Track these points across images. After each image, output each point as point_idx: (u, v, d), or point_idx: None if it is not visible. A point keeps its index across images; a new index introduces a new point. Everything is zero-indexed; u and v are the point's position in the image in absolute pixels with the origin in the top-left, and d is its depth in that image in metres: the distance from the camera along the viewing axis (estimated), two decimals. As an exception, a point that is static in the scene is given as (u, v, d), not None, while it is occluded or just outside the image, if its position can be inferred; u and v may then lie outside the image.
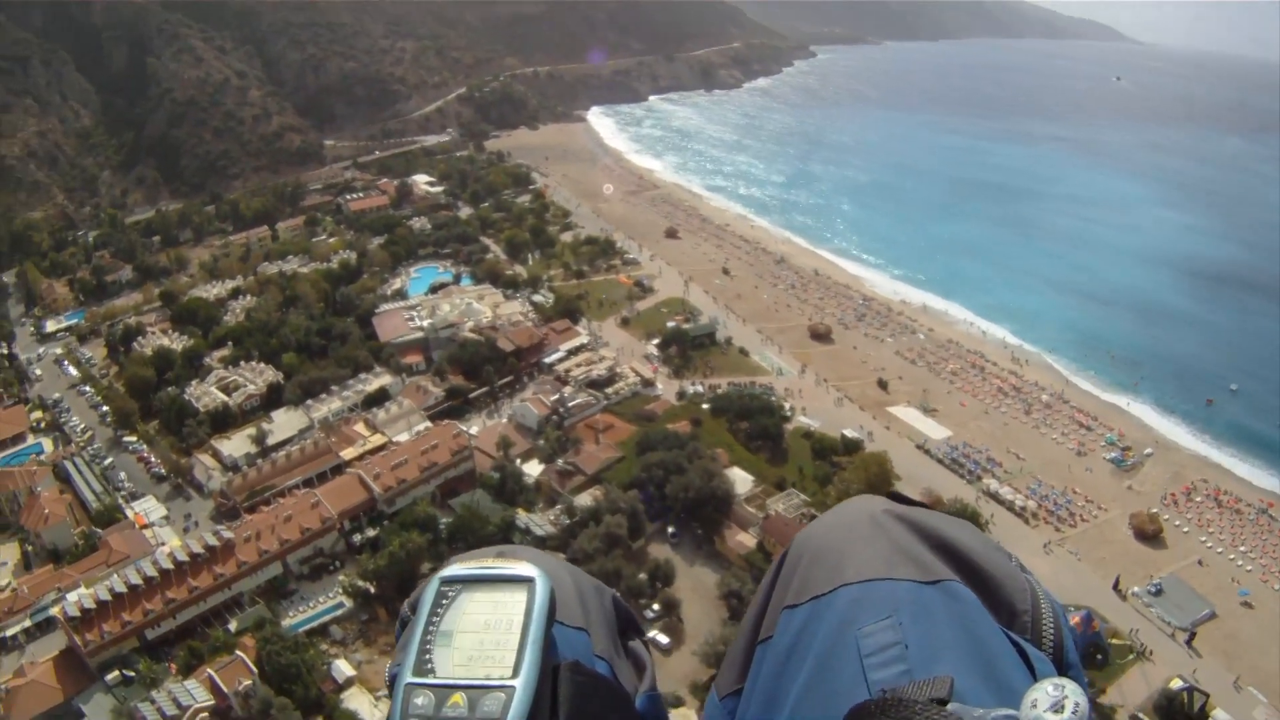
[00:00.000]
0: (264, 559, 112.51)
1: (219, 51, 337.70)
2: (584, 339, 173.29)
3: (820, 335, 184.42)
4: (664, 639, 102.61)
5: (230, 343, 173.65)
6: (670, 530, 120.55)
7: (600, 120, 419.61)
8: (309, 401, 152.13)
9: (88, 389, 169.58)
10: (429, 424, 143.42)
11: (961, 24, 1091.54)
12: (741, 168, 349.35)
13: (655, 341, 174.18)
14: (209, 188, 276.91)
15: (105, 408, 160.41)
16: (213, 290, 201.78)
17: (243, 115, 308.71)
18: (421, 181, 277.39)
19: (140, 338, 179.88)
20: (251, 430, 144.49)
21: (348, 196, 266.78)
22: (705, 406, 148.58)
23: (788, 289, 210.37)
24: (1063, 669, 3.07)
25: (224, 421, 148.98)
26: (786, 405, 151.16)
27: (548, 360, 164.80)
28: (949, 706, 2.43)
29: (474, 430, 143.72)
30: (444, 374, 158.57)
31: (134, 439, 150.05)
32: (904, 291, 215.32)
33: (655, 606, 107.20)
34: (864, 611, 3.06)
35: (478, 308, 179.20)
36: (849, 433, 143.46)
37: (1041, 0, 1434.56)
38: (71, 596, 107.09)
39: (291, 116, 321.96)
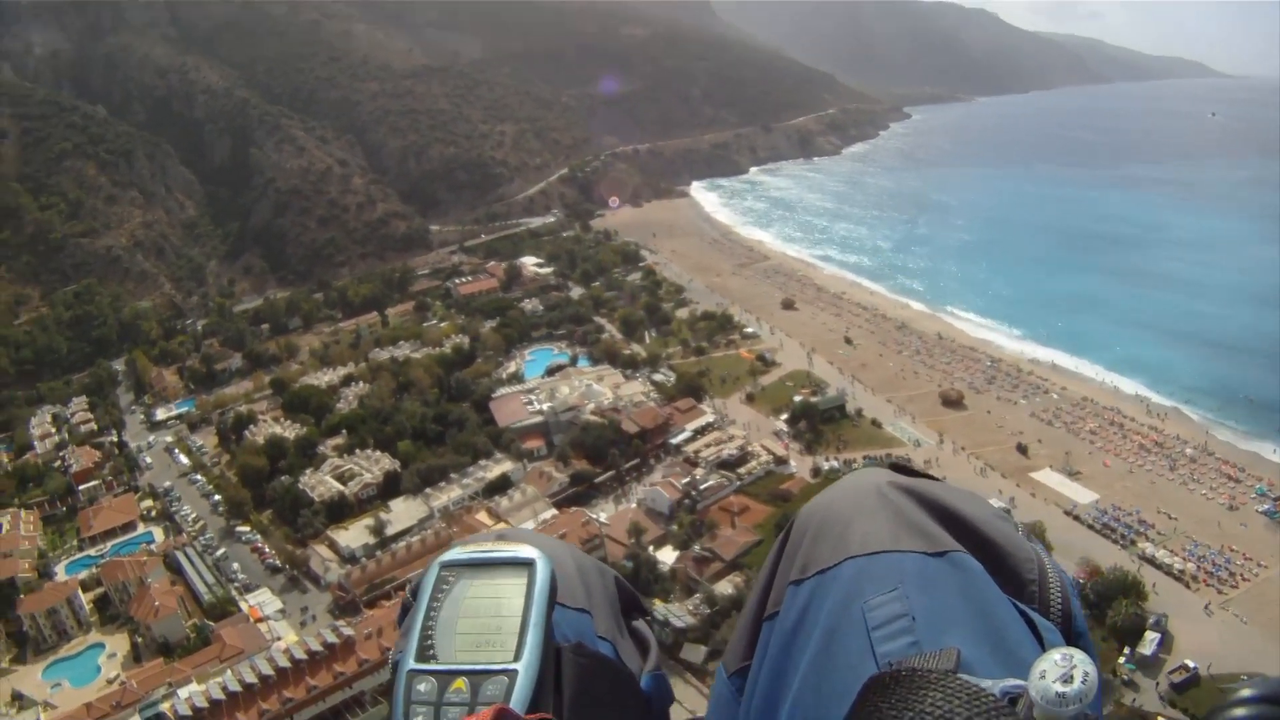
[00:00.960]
0: (387, 656, 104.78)
1: (320, 141, 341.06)
2: (709, 417, 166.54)
3: (952, 401, 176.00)
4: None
5: (344, 430, 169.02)
6: None
7: (703, 194, 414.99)
8: (428, 490, 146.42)
9: (199, 477, 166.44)
10: (555, 511, 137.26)
11: (1049, 74, 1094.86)
12: (849, 234, 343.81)
13: (784, 417, 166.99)
14: (316, 275, 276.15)
15: (217, 497, 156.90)
16: (324, 377, 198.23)
17: (347, 203, 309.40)
18: (530, 263, 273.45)
19: (252, 426, 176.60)
20: (369, 520, 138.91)
21: (456, 280, 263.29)
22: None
23: (913, 355, 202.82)
24: (1071, 639, 3.02)
25: (340, 511, 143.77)
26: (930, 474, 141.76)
27: (674, 441, 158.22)
28: (958, 677, 2.38)
29: (602, 517, 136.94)
30: (567, 459, 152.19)
31: (247, 529, 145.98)
32: (1030, 350, 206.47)
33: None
34: (870, 584, 3.04)
35: (598, 389, 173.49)
36: (994, 503, 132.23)
37: (1126, 43, 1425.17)
38: (183, 693, 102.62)
39: (395, 203, 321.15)
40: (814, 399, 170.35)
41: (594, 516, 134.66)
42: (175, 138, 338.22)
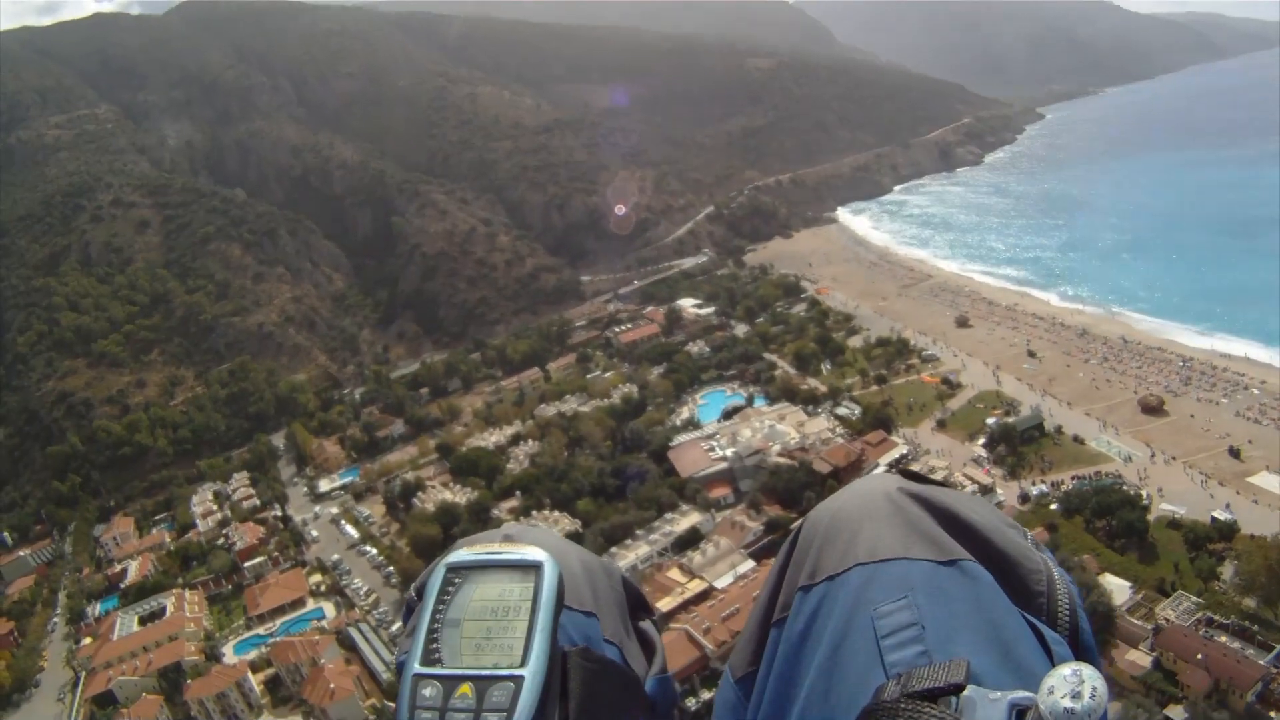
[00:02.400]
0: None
1: (461, 203, 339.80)
2: (902, 449, 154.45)
3: (1153, 408, 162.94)
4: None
5: (518, 492, 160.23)
6: None
7: (852, 219, 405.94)
8: (613, 550, 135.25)
9: (369, 549, 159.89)
10: (753, 564, 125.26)
11: (1174, 56, 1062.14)
12: (1007, 243, 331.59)
13: (980, 442, 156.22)
14: (470, 335, 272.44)
15: (390, 568, 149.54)
16: (491, 438, 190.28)
17: (494, 261, 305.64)
18: (689, 305, 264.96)
19: (420, 493, 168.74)
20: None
21: (616, 329, 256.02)
22: (1054, 507, 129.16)
23: (1100, 363, 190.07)
24: (1079, 652, 3.03)
25: None
26: (1143, 493, 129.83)
27: None
28: (967, 690, 2.43)
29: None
30: (759, 506, 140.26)
31: None
32: (1219, 344, 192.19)
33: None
34: (879, 591, 3.05)
35: (782, 429, 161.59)
36: (1219, 514, 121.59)
37: (1247, 13, 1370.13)
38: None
39: (543, 257, 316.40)
40: (1009, 419, 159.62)
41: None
42: (316, 213, 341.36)
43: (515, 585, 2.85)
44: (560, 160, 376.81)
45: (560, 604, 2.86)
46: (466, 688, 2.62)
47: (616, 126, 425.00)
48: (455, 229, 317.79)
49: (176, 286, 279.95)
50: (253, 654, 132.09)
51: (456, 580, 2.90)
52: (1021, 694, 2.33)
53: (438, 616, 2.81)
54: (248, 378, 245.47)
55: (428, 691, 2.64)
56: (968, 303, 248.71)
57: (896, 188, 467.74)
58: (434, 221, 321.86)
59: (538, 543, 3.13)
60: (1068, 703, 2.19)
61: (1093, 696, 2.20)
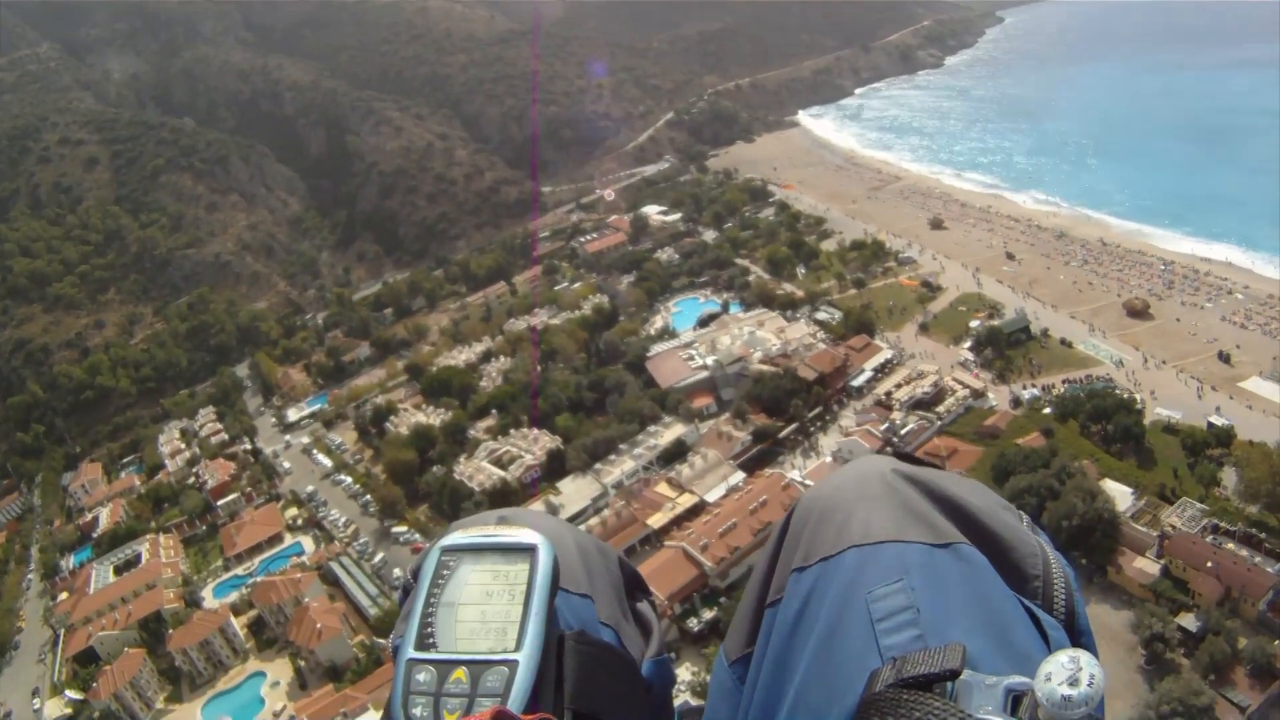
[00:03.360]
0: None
1: (416, 119, 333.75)
2: (887, 354, 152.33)
3: (1138, 312, 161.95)
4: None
5: (494, 411, 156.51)
6: None
7: (814, 122, 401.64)
8: (597, 466, 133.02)
9: (344, 478, 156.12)
10: (743, 475, 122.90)
11: None
12: (975, 146, 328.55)
13: (966, 345, 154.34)
14: (432, 252, 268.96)
15: (367, 496, 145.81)
16: (460, 356, 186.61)
17: (453, 176, 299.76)
18: (654, 212, 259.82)
19: (392, 417, 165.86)
20: (539, 506, 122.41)
21: (581, 239, 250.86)
22: (1047, 412, 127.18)
23: (1080, 265, 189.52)
24: (1074, 637, 3.06)
25: (504, 499, 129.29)
26: (1137, 398, 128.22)
27: (855, 384, 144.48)
28: (963, 675, 2.42)
29: (795, 475, 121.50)
30: (744, 415, 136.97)
31: (404, 528, 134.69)
32: (1200, 249, 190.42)
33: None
34: (874, 574, 3.04)
35: (762, 335, 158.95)
36: (1215, 420, 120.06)
37: None
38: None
39: (503, 170, 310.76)
40: (994, 323, 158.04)
41: (792, 477, 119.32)
42: (268, 138, 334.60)
43: (510, 568, 2.85)
44: (517, 72, 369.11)
45: (555, 587, 2.87)
46: (461, 672, 2.62)
47: (572, 36, 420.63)
48: (412, 145, 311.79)
49: (129, 222, 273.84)
50: (233, 596, 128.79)
51: (451, 564, 2.90)
52: (1018, 679, 2.34)
53: (432, 600, 2.81)
54: (207, 310, 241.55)
55: (422, 676, 2.63)
56: (939, 205, 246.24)
57: (857, 91, 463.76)
58: (390, 139, 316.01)
59: (532, 525, 3.13)
60: (1065, 689, 2.20)
61: (1090, 683, 2.21)
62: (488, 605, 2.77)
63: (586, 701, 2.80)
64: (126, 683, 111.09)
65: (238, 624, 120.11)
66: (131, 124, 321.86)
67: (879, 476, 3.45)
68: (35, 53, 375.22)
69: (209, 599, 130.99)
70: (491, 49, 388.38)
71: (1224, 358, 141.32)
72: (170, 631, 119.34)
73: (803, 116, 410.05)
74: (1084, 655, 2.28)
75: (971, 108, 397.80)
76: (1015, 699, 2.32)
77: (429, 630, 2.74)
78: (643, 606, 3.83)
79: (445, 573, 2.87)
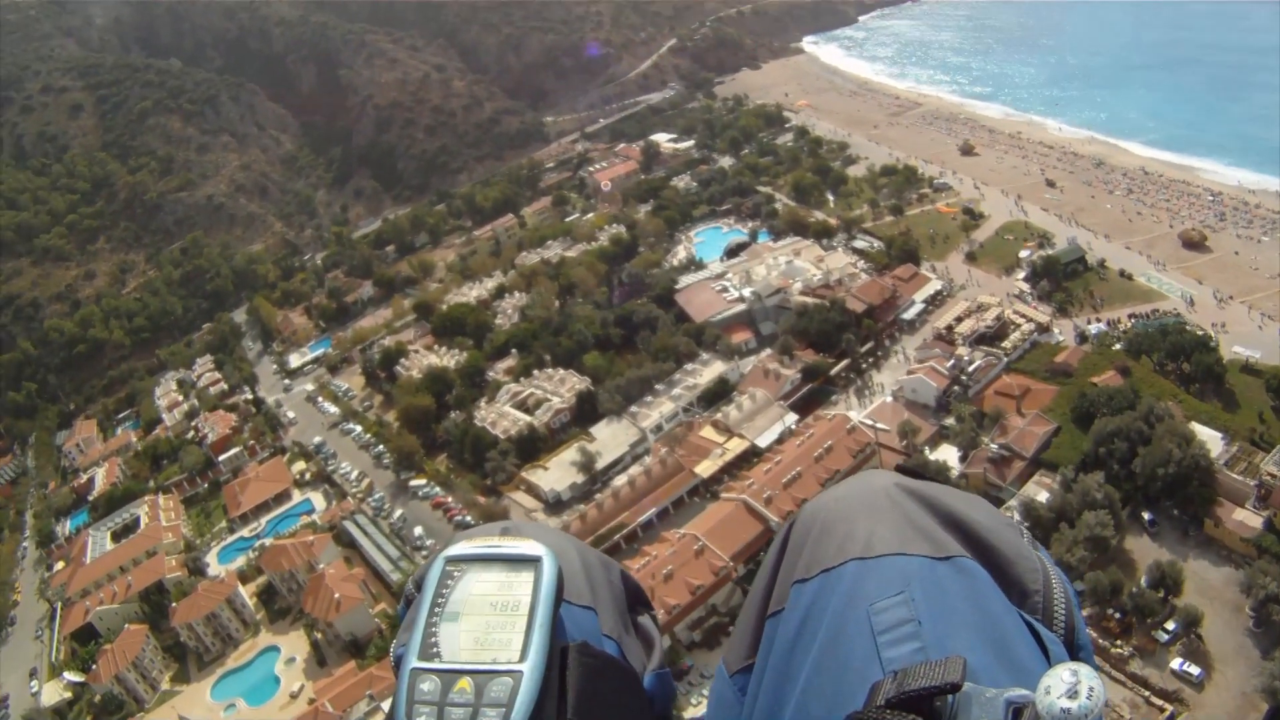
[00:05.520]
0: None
1: (411, 50, 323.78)
2: (937, 284, 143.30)
3: (1195, 244, 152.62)
4: (1194, 669, 78.38)
5: (514, 350, 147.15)
6: (1148, 517, 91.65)
7: (821, 49, 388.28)
8: (633, 409, 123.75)
9: (353, 426, 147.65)
10: (795, 417, 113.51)
11: None
12: (995, 70, 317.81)
13: (1020, 275, 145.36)
14: (433, 187, 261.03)
15: (379, 447, 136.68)
16: (471, 293, 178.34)
17: (452, 107, 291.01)
18: (664, 140, 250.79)
19: (403, 359, 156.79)
20: (572, 454, 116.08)
21: (590, 169, 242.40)
22: (1118, 348, 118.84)
23: (1125, 194, 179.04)
24: (1074, 651, 3.10)
25: (532, 448, 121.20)
26: (1211, 335, 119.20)
27: (905, 317, 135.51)
28: (965, 687, 2.45)
29: (854, 417, 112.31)
30: (790, 351, 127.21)
31: (423, 481, 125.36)
32: (1247, 179, 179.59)
33: (1170, 626, 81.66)
34: (875, 587, 3.08)
35: (801, 265, 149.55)
36: None
37: None
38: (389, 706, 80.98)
39: (503, 100, 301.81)
40: (1049, 252, 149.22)
41: (860, 420, 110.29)
42: (258, 75, 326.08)
43: (514, 580, 2.89)
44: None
45: (559, 599, 2.90)
46: (465, 682, 2.65)
47: None
48: (407, 77, 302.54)
49: (117, 168, 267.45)
50: (240, 561, 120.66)
51: (455, 574, 2.94)
52: (1018, 692, 2.37)
53: (436, 610, 2.85)
54: (201, 254, 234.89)
55: (426, 686, 2.65)
56: (966, 130, 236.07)
57: (863, 17, 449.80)
58: (384, 71, 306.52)
59: (537, 537, 3.18)
60: (1065, 702, 2.22)
61: (1089, 697, 2.23)
62: (492, 616, 2.81)
63: (589, 713, 2.81)
64: (129, 664, 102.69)
65: (246, 593, 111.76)
66: (116, 68, 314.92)
67: (882, 490, 3.49)
68: (15, 1, 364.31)
69: (214, 565, 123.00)
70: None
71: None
72: (173, 605, 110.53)
73: (807, 43, 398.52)
74: (1084, 669, 2.32)
75: (986, 34, 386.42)
76: (1015, 711, 2.35)
77: (433, 640, 2.77)
78: (644, 620, 3.85)
79: (450, 583, 2.91)
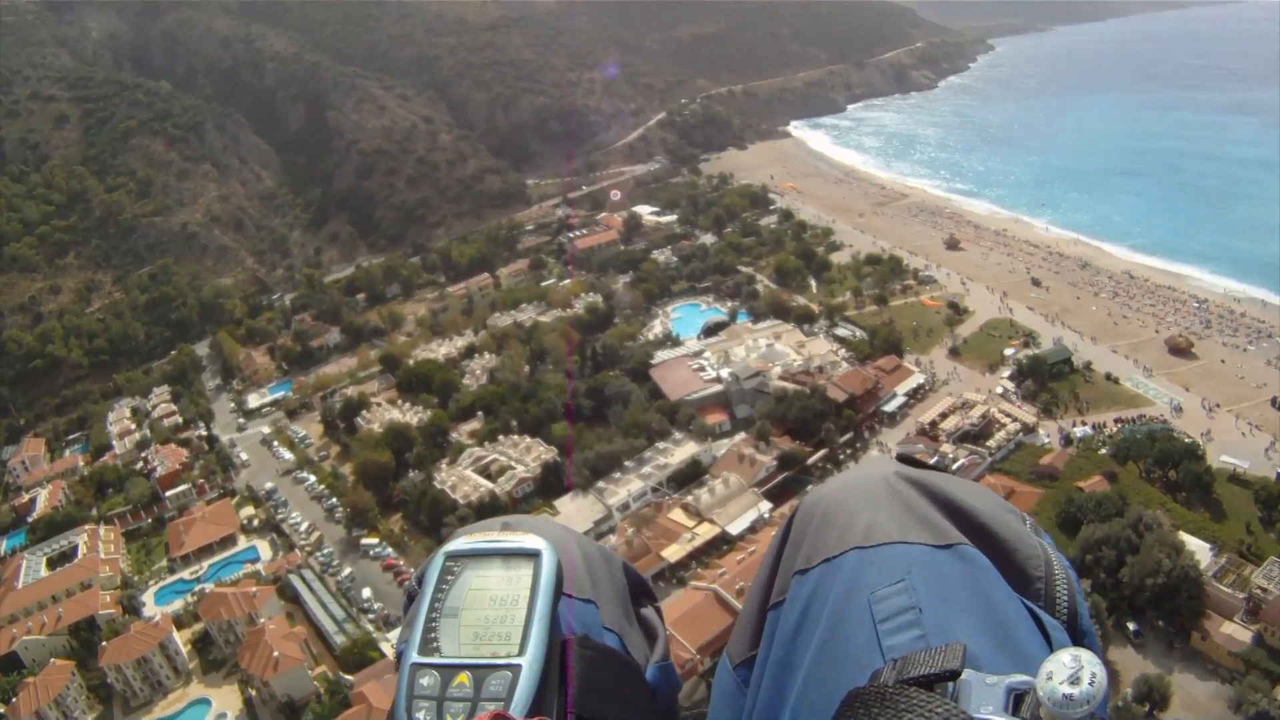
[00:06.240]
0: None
1: (401, 99, 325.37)
2: (920, 378, 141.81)
3: (1181, 350, 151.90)
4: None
5: (480, 413, 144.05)
6: (1133, 628, 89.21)
7: (807, 134, 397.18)
8: (600, 484, 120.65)
9: (307, 475, 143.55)
10: (769, 505, 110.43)
11: (1126, 0, 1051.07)
12: (982, 168, 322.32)
13: (1005, 374, 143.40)
14: (409, 238, 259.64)
15: (333, 501, 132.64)
16: (440, 349, 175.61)
17: (436, 160, 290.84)
18: (647, 212, 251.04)
19: (364, 411, 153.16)
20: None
21: (571, 235, 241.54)
22: (1104, 453, 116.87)
23: (1111, 297, 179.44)
24: (1077, 637, 3.09)
25: (493, 515, 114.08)
26: (1199, 443, 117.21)
27: (886, 409, 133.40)
28: (965, 674, 2.45)
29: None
30: (767, 437, 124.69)
31: (375, 541, 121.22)
32: (1234, 288, 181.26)
33: (1158, 743, 79.86)
34: (876, 575, 3.10)
35: (781, 349, 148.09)
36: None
37: None
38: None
39: (487, 158, 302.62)
40: (1035, 351, 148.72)
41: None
42: (246, 108, 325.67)
43: (513, 574, 2.91)
44: (507, 59, 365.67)
45: (559, 592, 2.92)
46: (464, 676, 2.66)
47: (564, 27, 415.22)
48: (394, 126, 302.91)
49: (95, 184, 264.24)
50: (177, 604, 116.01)
51: (455, 569, 2.95)
52: (1019, 678, 2.37)
53: (436, 605, 2.86)
54: (170, 282, 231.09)
55: (425, 681, 2.66)
56: (952, 224, 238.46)
57: (850, 106, 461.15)
58: (372, 117, 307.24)
59: (536, 531, 3.24)
60: (1066, 688, 2.21)
61: (1091, 682, 2.22)
62: (491, 610, 2.82)
63: (589, 706, 2.84)
64: (51, 700, 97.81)
65: (180, 639, 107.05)
66: (106, 83, 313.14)
67: (881, 479, 3.51)
68: (14, 3, 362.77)
69: (150, 605, 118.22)
70: (482, 34, 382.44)
71: (1278, 405, 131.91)
72: (104, 644, 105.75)
73: (794, 128, 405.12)
74: (1086, 654, 2.31)
75: (972, 130, 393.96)
76: (1017, 698, 2.36)
77: (433, 635, 2.78)
78: (648, 613, 3.87)
79: (449, 578, 2.93)
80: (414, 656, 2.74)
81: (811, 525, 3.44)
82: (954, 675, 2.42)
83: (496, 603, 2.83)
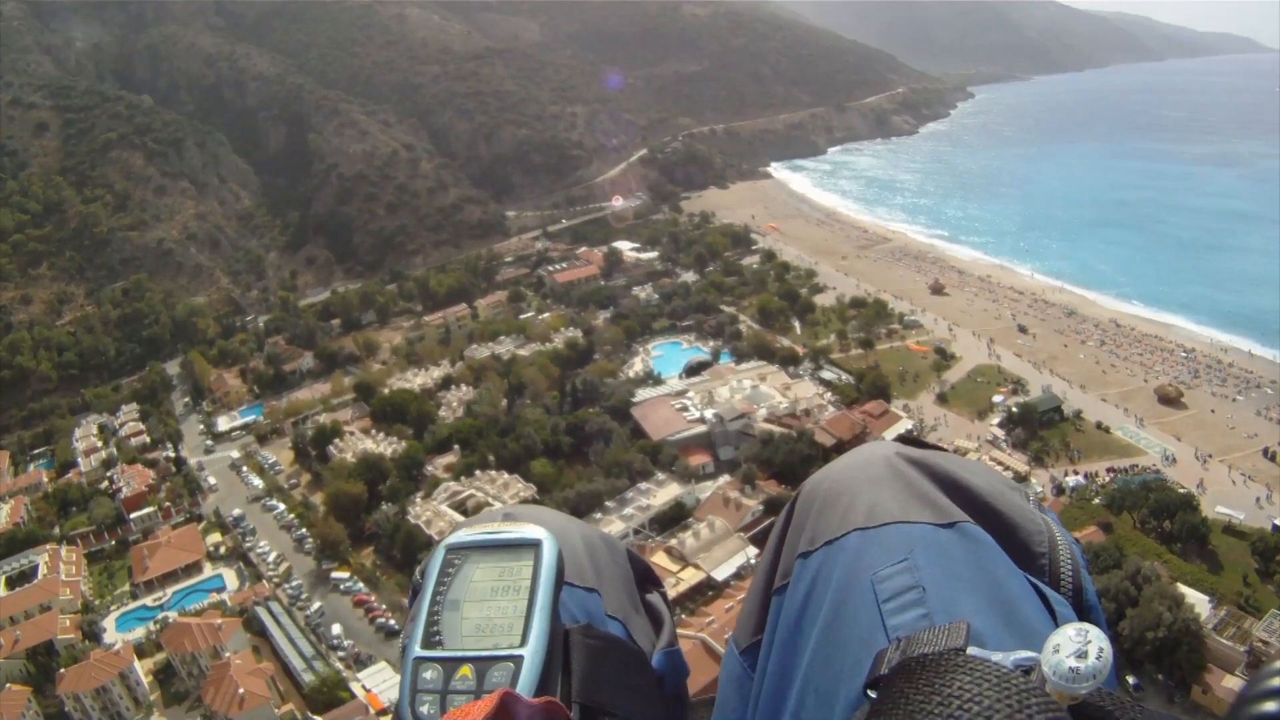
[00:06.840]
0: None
1: (383, 125, 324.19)
2: (907, 423, 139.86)
3: (1171, 400, 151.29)
4: None
5: (456, 446, 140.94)
6: (1133, 682, 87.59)
7: (788, 175, 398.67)
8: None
9: (276, 503, 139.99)
10: (755, 552, 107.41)
11: (1102, 53, 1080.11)
12: (964, 213, 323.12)
13: (994, 422, 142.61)
14: (386, 265, 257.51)
15: (303, 531, 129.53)
16: (416, 379, 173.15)
17: (416, 188, 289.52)
18: (627, 248, 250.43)
19: (337, 440, 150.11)
20: None
21: (550, 268, 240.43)
22: (1097, 503, 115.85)
23: (1098, 346, 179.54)
24: (1082, 612, 3.07)
25: None
26: (1194, 494, 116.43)
27: None
28: (969, 650, 2.41)
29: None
30: (753, 480, 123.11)
31: (346, 575, 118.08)
32: (1221, 339, 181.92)
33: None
34: (878, 555, 3.06)
35: (766, 391, 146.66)
36: None
37: (1176, 19, 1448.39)
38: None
39: (468, 188, 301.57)
40: (1024, 399, 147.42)
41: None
42: (227, 126, 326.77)
43: (514, 564, 2.86)
44: (490, 89, 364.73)
45: (560, 581, 2.88)
46: (467, 669, 2.63)
47: (548, 61, 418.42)
48: (375, 151, 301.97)
49: (72, 195, 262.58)
50: (139, 632, 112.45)
51: (456, 561, 2.91)
52: (1024, 654, 2.33)
53: (438, 599, 2.83)
54: (143, 298, 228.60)
55: (429, 674, 2.64)
56: (936, 269, 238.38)
57: (831, 149, 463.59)
58: (353, 142, 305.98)
59: (537, 521, 3.16)
60: (1073, 662, 2.16)
61: (1099, 656, 2.17)
62: (493, 602, 2.78)
63: (593, 694, 2.80)
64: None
65: (142, 670, 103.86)
66: (88, 94, 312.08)
67: (882, 459, 3.47)
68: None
69: (110, 631, 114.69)
70: (466, 64, 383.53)
71: (1269, 455, 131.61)
72: (62, 670, 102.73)
73: (775, 169, 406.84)
74: (1092, 629, 2.24)
75: (953, 176, 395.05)
76: (1024, 674, 2.27)
77: (435, 628, 2.75)
78: (653, 598, 3.84)
79: (450, 571, 2.89)
80: (417, 650, 2.70)
81: (813, 508, 3.42)
82: (959, 653, 2.37)
83: (498, 594, 2.78)
